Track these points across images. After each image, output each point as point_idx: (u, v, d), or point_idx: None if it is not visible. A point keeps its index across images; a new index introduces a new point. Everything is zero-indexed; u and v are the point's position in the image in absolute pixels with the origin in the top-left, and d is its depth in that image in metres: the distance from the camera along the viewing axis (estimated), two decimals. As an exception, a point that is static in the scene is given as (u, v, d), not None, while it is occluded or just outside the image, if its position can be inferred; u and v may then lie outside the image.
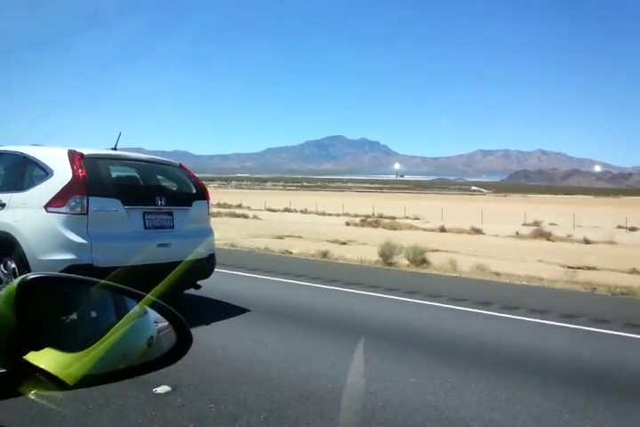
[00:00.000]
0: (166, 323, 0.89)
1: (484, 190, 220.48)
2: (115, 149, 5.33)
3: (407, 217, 35.92)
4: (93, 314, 0.88)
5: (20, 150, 5.10)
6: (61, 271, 4.36)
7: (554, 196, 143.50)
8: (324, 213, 38.46)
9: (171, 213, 5.11)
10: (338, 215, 36.93)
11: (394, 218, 32.93)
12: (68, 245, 4.41)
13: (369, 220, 30.38)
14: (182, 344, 0.88)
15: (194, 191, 5.52)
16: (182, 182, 5.60)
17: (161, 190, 5.26)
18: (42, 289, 0.80)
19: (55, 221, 4.44)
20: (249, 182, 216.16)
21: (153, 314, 0.90)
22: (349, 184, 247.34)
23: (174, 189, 5.53)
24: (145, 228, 4.87)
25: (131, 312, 0.88)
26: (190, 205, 5.35)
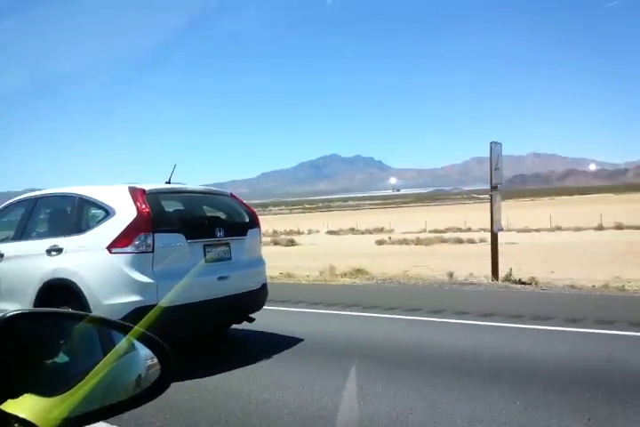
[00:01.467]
0: (157, 360, 0.83)
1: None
2: (169, 182, 5.17)
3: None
4: (78, 352, 0.83)
5: (74, 191, 4.91)
6: (128, 314, 4.15)
7: (574, 197, 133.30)
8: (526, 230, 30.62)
9: (228, 244, 4.95)
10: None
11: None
12: (134, 287, 4.20)
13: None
14: (166, 378, 0.83)
15: (247, 220, 5.37)
16: (235, 212, 5.45)
17: (219, 221, 5.11)
18: (24, 326, 0.75)
19: (120, 262, 4.23)
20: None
21: (143, 351, 0.83)
22: (350, 202, 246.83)
23: (229, 218, 5.37)
24: (205, 261, 4.68)
25: (117, 347, 0.83)
26: (245, 234, 5.20)
